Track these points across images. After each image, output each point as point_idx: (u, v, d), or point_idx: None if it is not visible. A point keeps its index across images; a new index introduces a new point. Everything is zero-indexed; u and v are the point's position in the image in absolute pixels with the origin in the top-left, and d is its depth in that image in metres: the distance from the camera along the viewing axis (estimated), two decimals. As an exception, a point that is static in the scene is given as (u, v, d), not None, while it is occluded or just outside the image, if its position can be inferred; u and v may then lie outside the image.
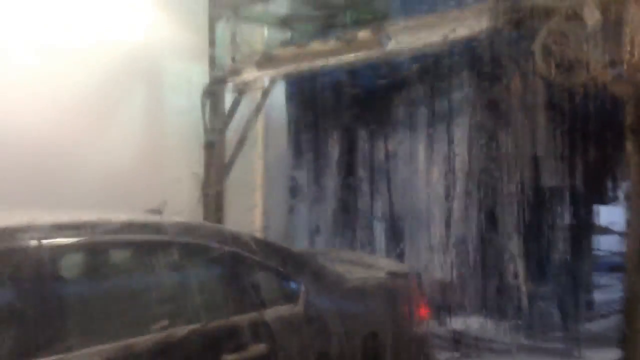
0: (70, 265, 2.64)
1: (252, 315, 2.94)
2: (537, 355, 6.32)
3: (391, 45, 4.31)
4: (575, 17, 3.63)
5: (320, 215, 7.16)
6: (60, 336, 2.38)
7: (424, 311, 3.85)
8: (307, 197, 7.35)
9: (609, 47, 3.67)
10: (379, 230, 6.81)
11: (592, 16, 3.47)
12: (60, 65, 5.99)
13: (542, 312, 6.31)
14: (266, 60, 5.42)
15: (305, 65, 5.11)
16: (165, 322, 2.64)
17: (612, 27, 3.72)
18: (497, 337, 6.71)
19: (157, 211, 3.48)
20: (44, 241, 2.47)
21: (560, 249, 5.93)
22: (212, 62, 6.36)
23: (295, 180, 7.56)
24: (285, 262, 3.28)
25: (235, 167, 6.73)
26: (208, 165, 6.47)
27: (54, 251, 2.50)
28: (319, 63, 4.97)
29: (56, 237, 2.52)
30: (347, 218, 7.06)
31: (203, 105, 6.36)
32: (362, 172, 6.90)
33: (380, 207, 6.79)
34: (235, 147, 6.52)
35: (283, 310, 3.09)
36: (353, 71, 6.60)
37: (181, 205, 6.42)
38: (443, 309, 6.53)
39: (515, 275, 5.98)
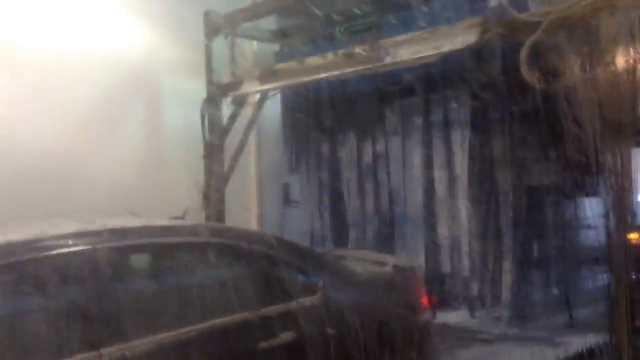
0: (123, 267, 2.93)
1: (280, 307, 3.27)
2: (520, 343, 6.65)
3: (388, 59, 4.65)
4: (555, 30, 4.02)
5: (312, 220, 7.48)
6: (118, 329, 2.68)
7: (425, 301, 4.19)
8: (300, 202, 7.67)
9: (585, 56, 4.09)
10: (372, 231, 7.14)
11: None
12: (65, 81, 6.26)
13: (526, 302, 6.71)
14: (269, 74, 5.72)
15: (305, 79, 5.43)
16: (208, 315, 2.96)
17: (587, 38, 4.15)
18: (482, 328, 7.06)
19: (180, 218, 3.78)
20: (103, 245, 2.79)
21: (546, 242, 6.34)
22: (210, 76, 6.66)
23: (288, 187, 7.89)
24: (305, 259, 3.61)
25: (232, 176, 7.04)
26: (208, 175, 6.75)
27: (110, 253, 2.81)
28: (318, 77, 5.29)
29: (111, 241, 2.84)
30: (340, 222, 7.38)
31: (202, 118, 6.64)
32: (353, 177, 7.22)
33: (372, 210, 7.12)
34: (233, 156, 6.82)
35: (305, 301, 3.40)
36: (348, 79, 6.97)
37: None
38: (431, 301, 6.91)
39: (502, 268, 6.35)
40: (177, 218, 3.76)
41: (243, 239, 3.35)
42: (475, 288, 6.59)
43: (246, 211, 7.75)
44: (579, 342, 6.06)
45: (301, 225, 7.67)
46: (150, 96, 6.96)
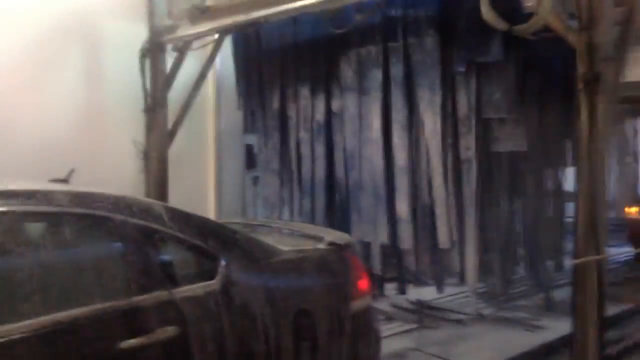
0: None
1: (158, 295, 2.58)
2: (498, 324, 6.11)
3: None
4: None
5: (275, 186, 6.72)
6: None
7: (364, 284, 3.52)
8: (262, 166, 6.91)
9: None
10: (325, 201, 6.41)
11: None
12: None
13: (499, 280, 6.06)
14: (200, 13, 4.98)
15: (242, 18, 4.69)
16: (48, 306, 2.29)
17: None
18: (456, 307, 6.51)
19: (64, 180, 3.09)
20: None
21: (524, 216, 5.60)
22: (151, 19, 5.90)
23: (251, 149, 7.14)
24: (205, 235, 2.91)
25: (184, 135, 6.34)
26: (149, 132, 6.05)
27: None
28: (256, 14, 4.57)
29: None
30: (293, 190, 6.64)
31: (142, 66, 5.93)
32: (305, 138, 6.44)
33: (326, 177, 6.35)
34: (179, 111, 6.11)
35: (198, 288, 2.73)
36: (302, 23, 6.18)
37: (121, 176, 6.07)
38: (399, 278, 6.27)
39: (477, 243, 5.67)
40: (59, 180, 3.05)
41: (117, 210, 2.63)
42: (438, 264, 5.89)
43: (201, 175, 7.05)
44: (559, 327, 5.47)
45: (259, 192, 6.95)
46: (87, 41, 6.19)
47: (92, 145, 6.08)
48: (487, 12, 3.49)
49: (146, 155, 6.04)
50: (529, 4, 3.48)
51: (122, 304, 2.47)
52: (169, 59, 6.04)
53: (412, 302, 6.71)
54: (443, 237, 5.41)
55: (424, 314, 6.44)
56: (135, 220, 2.67)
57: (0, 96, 5.64)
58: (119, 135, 6.19)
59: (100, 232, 2.60)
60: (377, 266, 5.98)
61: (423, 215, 5.49)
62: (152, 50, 5.83)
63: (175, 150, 6.21)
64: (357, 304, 3.42)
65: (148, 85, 6.01)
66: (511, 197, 5.55)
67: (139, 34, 6.00)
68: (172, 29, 5.57)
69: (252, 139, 7.03)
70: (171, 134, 6.10)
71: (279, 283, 3.08)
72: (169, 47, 5.87)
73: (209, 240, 2.91)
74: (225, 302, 2.79)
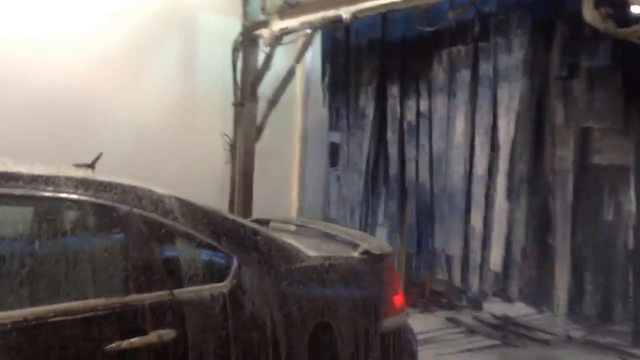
0: None
1: (158, 295, 2.50)
2: (588, 349, 5.61)
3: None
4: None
5: (355, 185, 6.56)
6: None
7: (400, 301, 3.27)
8: (343, 165, 6.77)
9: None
10: (408, 206, 6.14)
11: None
12: (92, 13, 5.87)
13: (597, 303, 5.48)
14: (289, 9, 4.97)
15: (330, 14, 4.64)
16: (32, 298, 2.24)
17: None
18: (544, 326, 6.03)
19: (89, 166, 3.03)
20: None
21: (622, 236, 5.00)
22: (245, 14, 5.96)
23: (333, 146, 7.04)
24: (219, 233, 2.79)
25: (271, 130, 6.36)
26: (237, 125, 6.13)
27: None
28: (342, 11, 4.50)
29: None
30: (375, 192, 6.44)
31: (234, 60, 6.03)
32: (393, 139, 6.20)
33: (411, 180, 6.07)
34: (268, 106, 6.12)
35: (203, 291, 2.63)
36: (392, 21, 5.97)
37: (208, 166, 6.22)
38: (486, 294, 5.88)
39: (571, 263, 5.16)
40: (83, 165, 2.98)
41: (123, 200, 2.55)
42: (537, 282, 5.44)
43: (286, 170, 7.05)
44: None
45: (340, 190, 6.82)
46: (183, 34, 6.41)
47: (181, 134, 6.30)
48: (589, 13, 3.16)
49: (233, 148, 6.13)
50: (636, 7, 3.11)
51: (115, 302, 2.39)
52: (261, 54, 6.04)
53: (497, 317, 6.35)
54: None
55: (508, 330, 6.06)
56: (142, 212, 2.58)
57: (102, 83, 5.97)
58: (208, 127, 6.34)
59: (102, 222, 2.50)
60: (457, 277, 5.64)
61: (500, 230, 5.09)
62: (245, 45, 5.90)
63: (261, 144, 6.25)
64: (389, 322, 3.21)
65: (239, 79, 6.06)
66: (604, 215, 4.99)
67: (233, 29, 6.10)
68: (264, 23, 5.60)
69: (336, 137, 6.90)
70: (259, 128, 6.13)
71: (298, 292, 2.93)
72: (261, 42, 5.86)
73: (223, 240, 2.78)
74: (233, 308, 2.67)
